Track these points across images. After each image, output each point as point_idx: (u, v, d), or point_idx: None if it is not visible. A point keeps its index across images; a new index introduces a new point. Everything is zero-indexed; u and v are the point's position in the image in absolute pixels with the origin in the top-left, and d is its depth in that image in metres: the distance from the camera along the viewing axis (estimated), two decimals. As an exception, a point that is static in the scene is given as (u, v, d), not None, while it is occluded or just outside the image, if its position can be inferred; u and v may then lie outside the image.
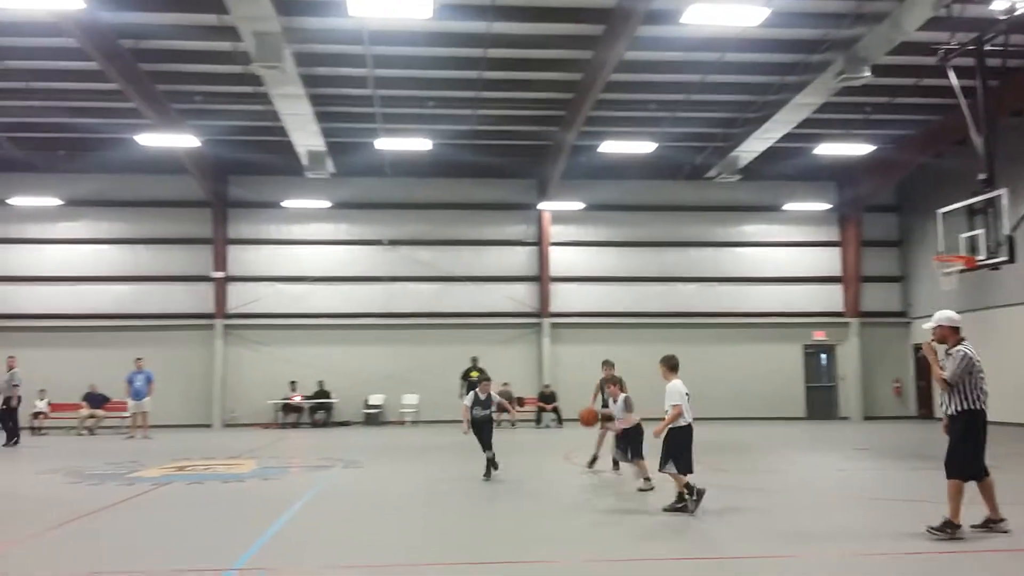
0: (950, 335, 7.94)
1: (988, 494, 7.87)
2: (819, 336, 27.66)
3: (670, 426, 9.26)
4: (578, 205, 26.11)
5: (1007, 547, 7.47)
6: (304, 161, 22.89)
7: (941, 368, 7.84)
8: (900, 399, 27.39)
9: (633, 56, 18.13)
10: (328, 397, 25.43)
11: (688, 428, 9.32)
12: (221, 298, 25.91)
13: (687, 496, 9.09)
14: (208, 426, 25.16)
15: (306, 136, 21.24)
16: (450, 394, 22.71)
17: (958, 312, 8.18)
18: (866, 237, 27.58)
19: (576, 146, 22.98)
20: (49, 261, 25.79)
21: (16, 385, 19.29)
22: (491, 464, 12.34)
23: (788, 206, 27.09)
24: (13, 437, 18.97)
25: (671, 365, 9.60)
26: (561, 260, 27.08)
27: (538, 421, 24.48)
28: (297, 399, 25.21)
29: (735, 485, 11.68)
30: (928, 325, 8.12)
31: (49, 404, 23.72)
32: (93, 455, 16.67)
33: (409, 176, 26.28)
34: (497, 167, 25.76)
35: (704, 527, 8.66)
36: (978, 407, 7.70)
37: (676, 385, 9.40)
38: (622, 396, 11.65)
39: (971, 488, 7.80)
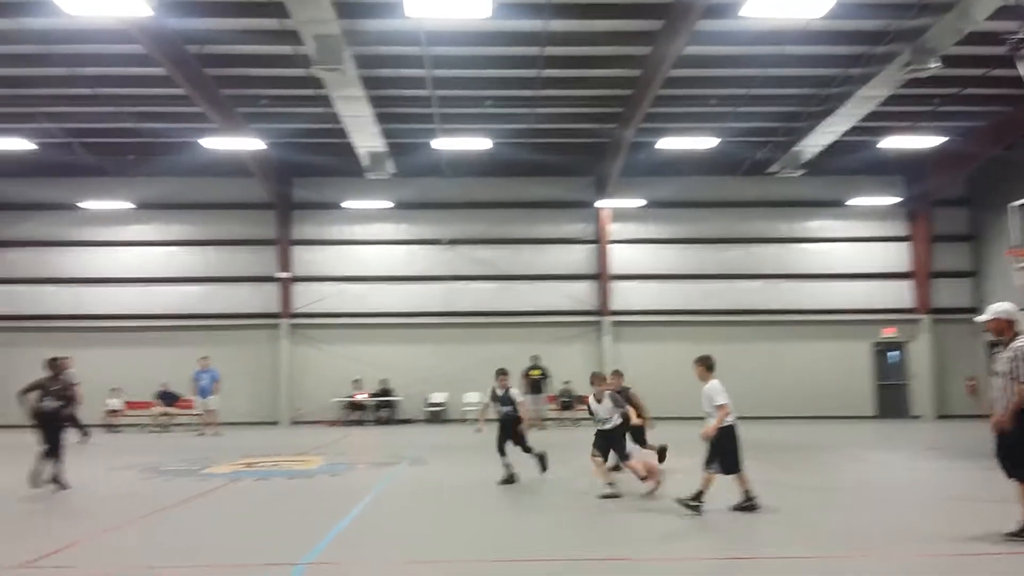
0: (1006, 328, 7.72)
1: None
2: (889, 333, 27.01)
3: (720, 426, 9.18)
4: (637, 202, 25.93)
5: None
6: (365, 162, 23.17)
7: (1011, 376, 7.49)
8: (974, 397, 26.53)
9: (693, 51, 17.91)
10: (391, 395, 25.75)
11: (734, 427, 9.29)
12: (286, 298, 26.39)
13: (694, 503, 9.02)
14: (275, 423, 25.65)
15: (366, 137, 21.49)
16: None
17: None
18: (936, 232, 26.82)
19: (635, 143, 22.81)
20: (121, 263, 26.58)
21: (73, 384, 19.66)
22: (541, 461, 11.81)
23: (853, 201, 26.48)
24: (84, 432, 19.15)
25: (708, 365, 9.52)
26: (621, 258, 26.93)
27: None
28: (361, 397, 25.55)
29: (802, 485, 11.50)
30: (983, 318, 7.93)
31: (123, 402, 24.41)
32: (166, 452, 17.15)
33: (468, 176, 26.42)
34: (555, 165, 25.73)
35: (765, 526, 8.55)
36: None
37: (717, 385, 9.35)
38: (607, 394, 10.87)
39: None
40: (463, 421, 25.47)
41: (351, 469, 13.94)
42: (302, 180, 26.79)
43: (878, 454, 16.55)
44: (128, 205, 25.95)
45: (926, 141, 22.33)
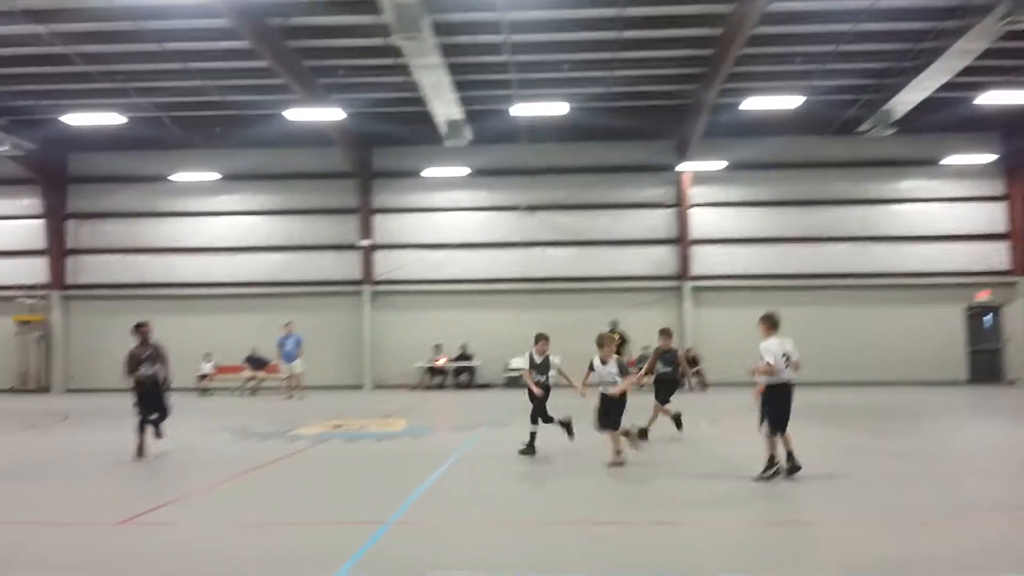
0: None
1: None
2: (983, 296, 25.98)
3: (767, 384, 8.95)
4: (719, 165, 25.38)
5: None
6: (443, 130, 23.27)
7: None
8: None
9: (778, 7, 17.38)
10: (471, 360, 26.02)
11: (783, 387, 8.95)
12: (368, 265, 26.83)
13: (769, 469, 8.82)
14: (359, 387, 26.23)
15: (444, 105, 21.55)
16: (590, 358, 22.71)
17: None
18: (1036, 190, 25.61)
19: (717, 104, 22.30)
20: (209, 232, 27.43)
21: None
22: (567, 428, 11.15)
23: (947, 160, 25.41)
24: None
25: (770, 323, 9.17)
26: (702, 222, 26.50)
27: (681, 385, 24.07)
28: (441, 362, 25.90)
29: (895, 451, 11.21)
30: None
31: (214, 367, 25.30)
32: (255, 414, 17.73)
33: (545, 141, 26.25)
34: (635, 129, 25.36)
35: (821, 492, 8.38)
36: None
37: (769, 344, 8.99)
38: (614, 359, 10.53)
39: None
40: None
41: (434, 432, 14.17)
42: (381, 149, 27.08)
43: (974, 421, 16.03)
44: (215, 176, 26.66)
45: (1025, 96, 21.21)
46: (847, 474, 9.19)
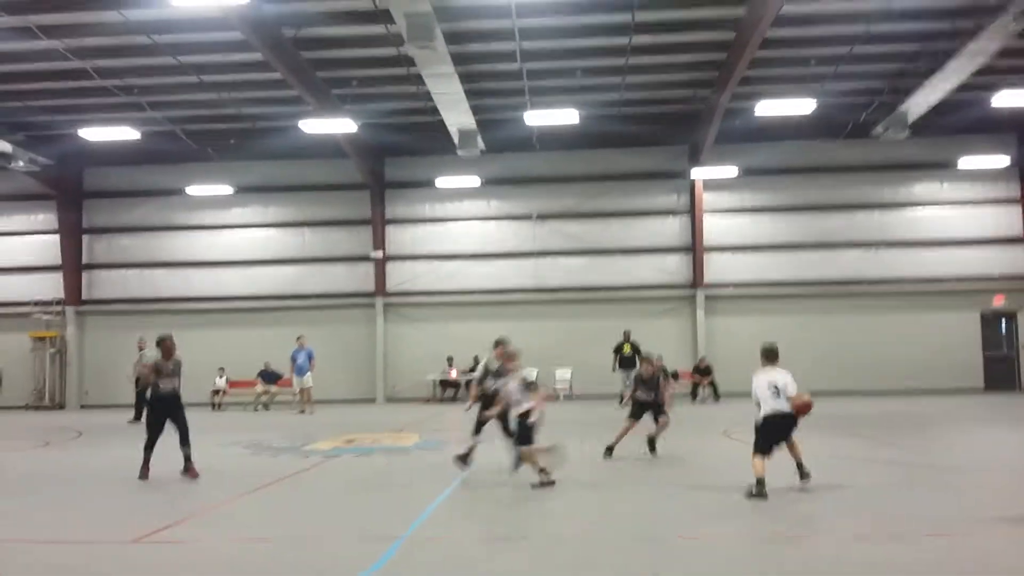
0: None
1: None
2: (999, 301, 25.68)
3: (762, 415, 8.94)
4: (732, 171, 25.15)
5: None
6: (455, 140, 23.24)
7: None
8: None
9: (790, 9, 17.25)
10: (484, 371, 25.88)
11: (771, 417, 8.80)
12: (381, 277, 26.80)
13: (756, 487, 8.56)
14: (372, 400, 26.17)
15: (457, 115, 21.51)
16: (603, 368, 22.66)
17: None
18: (1053, 193, 25.34)
19: (729, 109, 22.19)
20: (224, 246, 27.49)
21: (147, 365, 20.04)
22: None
23: (962, 162, 25.13)
24: (139, 416, 19.21)
25: (764, 355, 9.09)
26: (715, 229, 26.34)
27: (694, 395, 23.96)
28: (454, 374, 25.80)
29: (908, 461, 11.05)
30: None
31: (227, 381, 25.29)
32: (268, 429, 17.69)
33: (557, 149, 26.22)
34: (646, 135, 25.28)
35: (818, 505, 8.24)
36: None
37: (756, 380, 8.97)
38: (520, 375, 9.83)
39: None
40: (555, 398, 25.46)
41: (446, 446, 14.07)
42: (394, 160, 27.10)
43: (991, 430, 15.79)
44: (229, 189, 26.72)
45: (1043, 96, 20.98)
46: (852, 485, 9.03)
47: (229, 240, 27.54)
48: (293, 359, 22.41)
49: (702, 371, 24.27)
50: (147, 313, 26.64)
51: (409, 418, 19.67)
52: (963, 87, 20.63)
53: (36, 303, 27.29)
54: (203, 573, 6.37)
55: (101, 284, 27.84)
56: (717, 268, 26.23)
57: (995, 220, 25.84)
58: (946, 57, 19.06)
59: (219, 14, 16.22)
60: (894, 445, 12.94)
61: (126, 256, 27.75)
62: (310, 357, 22.33)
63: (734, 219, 26.42)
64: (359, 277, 26.97)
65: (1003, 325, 25.89)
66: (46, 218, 27.73)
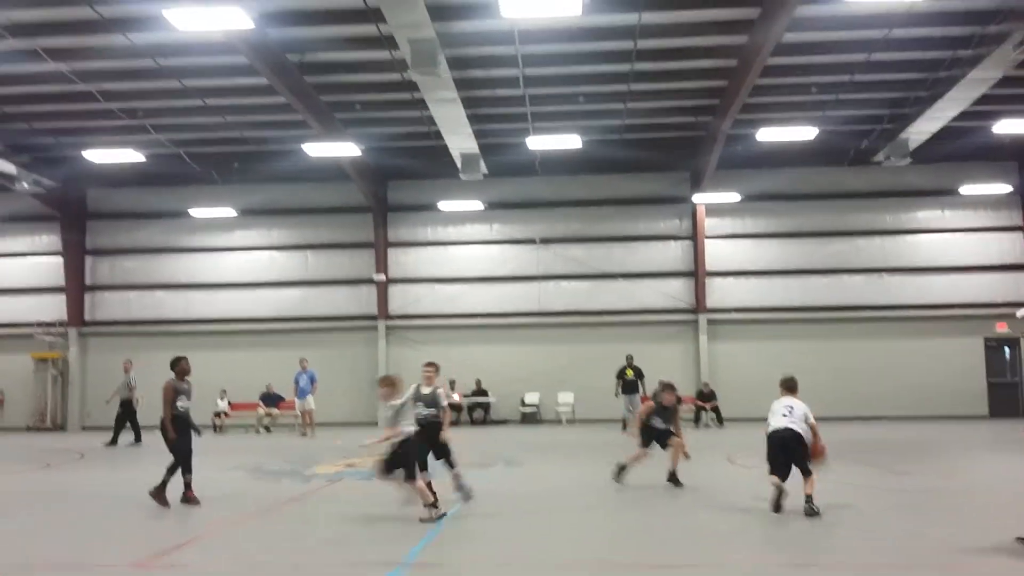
0: None
1: None
2: (1002, 328, 25.65)
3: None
4: (734, 196, 25.27)
5: None
6: (458, 164, 23.34)
7: None
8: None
9: (792, 38, 17.39)
10: (485, 395, 25.86)
11: (773, 434, 9.36)
12: (383, 300, 26.82)
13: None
14: (375, 424, 26.05)
15: (460, 139, 21.63)
16: (606, 392, 22.54)
17: None
18: (1055, 220, 25.38)
19: (731, 135, 22.29)
20: (226, 268, 27.54)
21: (133, 387, 20.10)
22: (464, 492, 9.57)
23: (964, 189, 25.23)
24: (137, 438, 19.59)
25: (783, 385, 9.74)
26: (717, 254, 26.38)
27: (697, 420, 23.86)
28: (456, 398, 25.72)
29: (914, 487, 10.98)
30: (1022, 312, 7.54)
31: (229, 404, 25.22)
32: (270, 452, 17.63)
33: (560, 174, 26.31)
34: (648, 161, 25.39)
35: (822, 531, 8.18)
36: None
37: (773, 405, 9.60)
38: (396, 402, 9.12)
39: None
40: (557, 422, 25.39)
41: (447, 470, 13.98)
42: (397, 183, 27.20)
43: (995, 456, 15.71)
44: (232, 212, 26.79)
45: (1043, 124, 21.08)
46: (858, 510, 8.98)
47: (232, 262, 27.60)
48: (296, 382, 22.35)
49: (706, 396, 24.20)
50: (150, 335, 26.66)
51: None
52: (964, 115, 20.77)
53: (39, 324, 27.28)
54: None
55: (104, 305, 27.87)
56: (719, 293, 26.24)
57: (998, 247, 25.88)
58: (947, 85, 19.20)
59: (224, 39, 16.36)
60: (903, 473, 12.84)
61: (129, 278, 27.81)
62: (312, 380, 22.26)
63: (736, 244, 26.47)
64: (362, 300, 26.99)
65: (1007, 352, 25.83)
66: (50, 239, 27.83)
